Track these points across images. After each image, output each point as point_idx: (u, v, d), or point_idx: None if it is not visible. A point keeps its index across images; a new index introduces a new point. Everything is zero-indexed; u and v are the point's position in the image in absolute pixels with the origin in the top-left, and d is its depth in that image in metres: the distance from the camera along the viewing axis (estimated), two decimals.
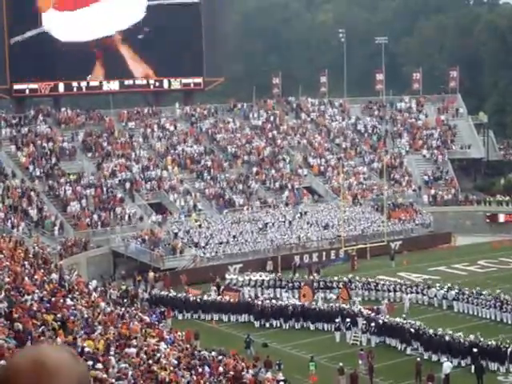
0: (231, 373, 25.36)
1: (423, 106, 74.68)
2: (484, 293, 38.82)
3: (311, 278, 44.07)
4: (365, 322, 35.08)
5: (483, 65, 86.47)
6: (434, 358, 32.09)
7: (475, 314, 38.52)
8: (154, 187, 56.77)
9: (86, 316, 24.52)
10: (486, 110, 76.53)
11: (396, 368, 31.80)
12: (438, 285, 41.48)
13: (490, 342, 31.37)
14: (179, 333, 30.90)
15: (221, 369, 25.67)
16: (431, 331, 32.96)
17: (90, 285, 34.55)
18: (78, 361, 2.31)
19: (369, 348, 32.89)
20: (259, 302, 38.83)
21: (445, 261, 50.67)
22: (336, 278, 43.12)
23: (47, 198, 52.29)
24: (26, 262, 30.51)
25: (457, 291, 39.79)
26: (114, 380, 18.47)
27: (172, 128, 64.34)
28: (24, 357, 2.22)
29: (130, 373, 19.76)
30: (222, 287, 42.45)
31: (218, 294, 41.31)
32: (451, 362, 30.43)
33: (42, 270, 30.61)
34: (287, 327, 37.71)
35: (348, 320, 35.51)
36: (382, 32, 79.70)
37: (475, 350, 30.84)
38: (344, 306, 37.59)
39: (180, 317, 39.80)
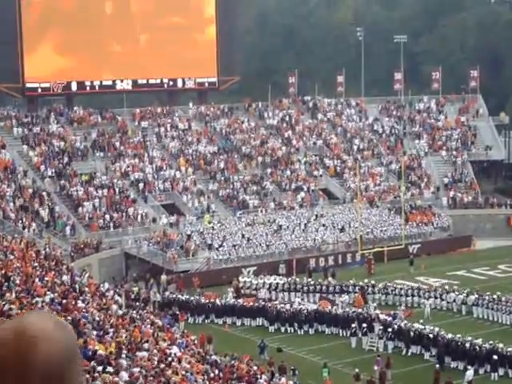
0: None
1: (443, 107, 73.54)
2: (504, 298, 38.00)
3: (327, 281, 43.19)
4: (381, 327, 34.30)
5: (504, 64, 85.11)
6: (453, 364, 31.39)
7: (495, 319, 37.77)
8: (167, 188, 56.12)
9: (97, 319, 24.12)
10: (507, 111, 75.15)
11: (414, 375, 31.44)
12: (456, 288, 40.73)
13: (510, 349, 30.73)
14: (192, 337, 30.24)
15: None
16: (450, 336, 32.15)
17: (102, 287, 34.03)
18: (66, 329, 2.19)
19: (386, 355, 32.07)
20: (274, 307, 38.07)
21: (464, 265, 49.76)
22: (352, 282, 42.28)
23: (59, 199, 51.79)
24: (37, 264, 30.15)
25: (476, 296, 38.89)
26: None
27: (186, 128, 63.69)
28: (5, 327, 2.15)
29: (142, 377, 19.28)
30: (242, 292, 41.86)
31: (236, 297, 40.52)
32: (467, 369, 29.76)
33: (54, 272, 30.26)
34: (302, 332, 36.94)
35: (364, 325, 34.77)
36: (401, 30, 78.57)
37: (495, 357, 30.14)
38: (360, 310, 36.80)
39: (191, 320, 39.10)
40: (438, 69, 74.41)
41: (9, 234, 39.02)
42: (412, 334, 33.67)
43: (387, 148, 68.20)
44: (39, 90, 60.61)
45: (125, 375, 18.87)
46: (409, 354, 33.54)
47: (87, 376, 16.24)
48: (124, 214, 51.79)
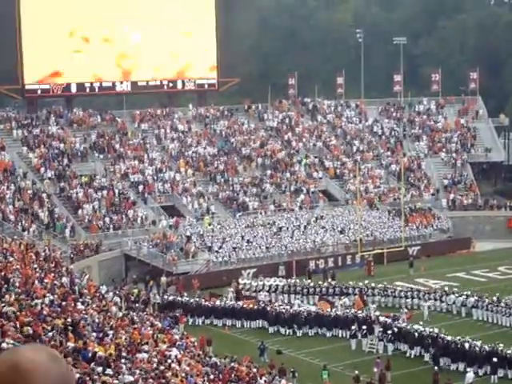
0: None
1: (442, 108, 73.49)
2: (504, 300, 37.89)
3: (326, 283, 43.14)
4: (381, 329, 34.24)
5: (504, 66, 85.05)
6: (453, 366, 31.39)
7: (495, 321, 37.68)
8: (167, 190, 56.06)
9: (97, 321, 24.08)
10: (507, 112, 75.09)
11: (413, 377, 31.32)
12: (455, 290, 40.67)
13: (509, 351, 30.60)
14: (192, 338, 30.21)
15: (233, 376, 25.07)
16: (449, 338, 32.11)
17: (102, 289, 34.02)
18: (59, 361, 2.22)
19: (386, 356, 32.02)
20: (273, 308, 38.01)
21: (464, 267, 49.65)
22: (351, 283, 42.24)
23: (58, 200, 51.71)
24: (36, 265, 30.12)
25: (476, 298, 38.85)
26: None
27: (185, 129, 63.64)
28: (0, 360, 2.18)
29: (141, 379, 19.25)
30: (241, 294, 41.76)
31: (237, 299, 40.44)
32: (467, 371, 29.73)
33: (53, 274, 30.21)
34: (301, 334, 36.85)
35: (364, 327, 34.71)
36: (400, 32, 78.45)
37: (495, 359, 30.14)
38: (360, 312, 36.74)
39: (191, 322, 39.05)
40: (438, 70, 74.35)
41: (8, 236, 38.97)
42: (415, 334, 33.61)
43: (387, 150, 68.14)
44: (39, 92, 60.54)
45: (128, 378, 18.85)
46: (411, 355, 33.45)
47: (87, 378, 16.20)
48: (124, 215, 51.70)
